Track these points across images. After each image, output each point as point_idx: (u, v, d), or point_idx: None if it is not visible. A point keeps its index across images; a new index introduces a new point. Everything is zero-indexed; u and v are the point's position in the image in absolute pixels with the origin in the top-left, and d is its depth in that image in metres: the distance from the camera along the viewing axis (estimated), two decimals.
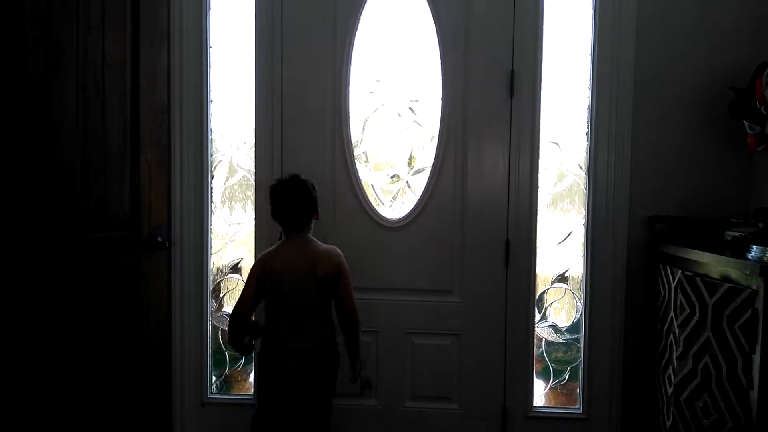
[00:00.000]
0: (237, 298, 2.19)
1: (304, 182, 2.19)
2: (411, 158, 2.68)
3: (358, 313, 2.21)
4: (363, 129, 2.67)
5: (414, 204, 2.62)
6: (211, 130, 2.68)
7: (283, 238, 2.25)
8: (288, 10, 2.59)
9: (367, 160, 2.69)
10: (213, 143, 2.70)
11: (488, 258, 2.59)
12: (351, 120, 2.62)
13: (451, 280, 2.61)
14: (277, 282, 2.13)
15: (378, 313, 2.61)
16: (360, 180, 2.62)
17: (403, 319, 2.62)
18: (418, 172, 2.67)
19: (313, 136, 2.61)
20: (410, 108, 2.66)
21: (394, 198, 2.70)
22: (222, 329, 2.79)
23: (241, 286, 2.76)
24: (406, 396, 2.65)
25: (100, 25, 2.14)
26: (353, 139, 2.63)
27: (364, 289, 2.57)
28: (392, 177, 2.69)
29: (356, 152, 2.64)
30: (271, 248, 2.24)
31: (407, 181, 2.68)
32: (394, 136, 2.67)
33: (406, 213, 2.63)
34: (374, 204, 2.64)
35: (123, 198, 2.26)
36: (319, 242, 2.22)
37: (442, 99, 2.58)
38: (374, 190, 2.68)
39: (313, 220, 2.22)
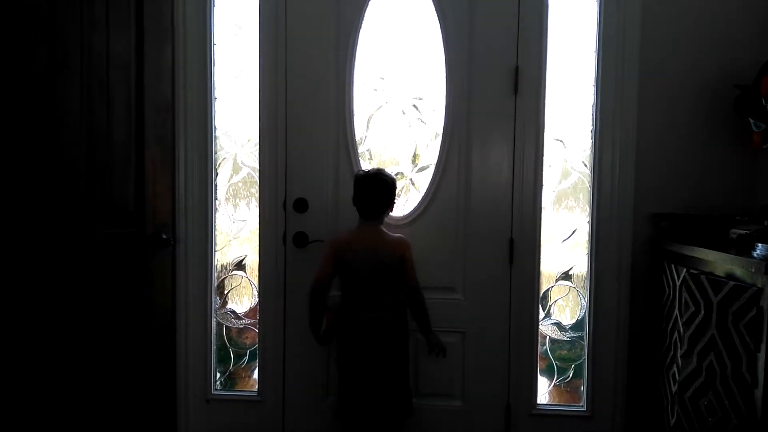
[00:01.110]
0: (315, 273, 2.38)
1: (385, 179, 2.38)
2: (415, 156, 2.68)
3: (422, 291, 2.41)
4: (367, 126, 2.67)
5: (418, 202, 2.62)
6: (215, 127, 2.69)
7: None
8: (292, 8, 2.59)
9: (371, 157, 2.69)
10: (217, 141, 2.70)
11: (492, 256, 2.59)
12: (355, 118, 2.62)
13: (455, 278, 2.61)
14: (348, 263, 2.36)
15: None
16: None
17: None
18: (422, 169, 2.67)
19: (318, 133, 2.61)
20: (414, 105, 2.66)
21: (398, 195, 2.69)
22: (227, 326, 2.79)
23: (246, 283, 2.78)
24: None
25: (104, 22, 2.14)
26: (357, 137, 2.63)
27: None
28: (396, 174, 2.69)
29: (360, 150, 2.64)
30: (345, 232, 2.45)
31: (411, 179, 2.68)
32: (398, 134, 2.67)
33: (410, 211, 2.63)
34: None
35: (127, 195, 2.26)
36: (388, 232, 2.43)
37: (446, 96, 2.58)
38: None
39: (388, 212, 2.44)
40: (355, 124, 2.62)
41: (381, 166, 2.55)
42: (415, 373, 2.62)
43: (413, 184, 2.68)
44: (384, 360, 2.34)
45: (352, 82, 2.61)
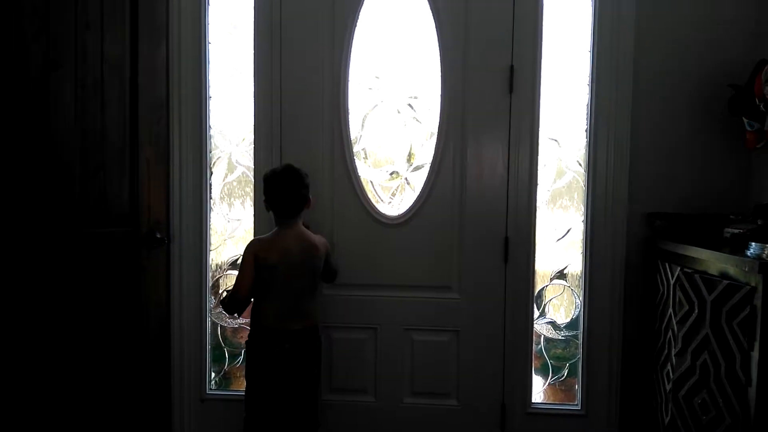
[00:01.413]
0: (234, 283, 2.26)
1: (297, 171, 2.29)
2: (410, 155, 2.68)
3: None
4: (362, 125, 2.67)
5: (413, 201, 2.62)
6: (210, 126, 2.68)
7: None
8: (287, 6, 2.59)
9: (366, 156, 2.69)
10: (212, 139, 2.70)
11: (487, 254, 2.59)
12: (350, 116, 2.62)
13: (450, 277, 2.61)
14: (273, 267, 2.22)
15: (377, 309, 2.62)
16: (359, 176, 2.62)
17: (402, 316, 2.62)
18: (417, 168, 2.67)
19: (312, 132, 2.61)
20: (409, 104, 2.66)
21: (393, 195, 2.69)
22: (221, 325, 2.79)
23: None
24: (405, 392, 2.65)
25: (98, 21, 2.14)
26: (352, 136, 2.63)
27: (363, 286, 2.60)
28: (391, 174, 2.69)
29: (355, 149, 2.64)
30: (265, 236, 2.32)
31: (406, 178, 2.68)
32: (393, 133, 2.67)
33: (405, 210, 2.63)
34: (373, 201, 2.64)
35: (122, 194, 2.26)
36: (309, 231, 2.36)
37: (441, 95, 2.58)
38: (373, 186, 2.68)
39: (306, 208, 2.31)
40: (350, 122, 2.61)
41: (376, 165, 2.54)
42: (410, 372, 2.63)
43: (408, 183, 2.68)
44: (306, 377, 2.29)
45: (347, 81, 2.60)
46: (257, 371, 2.29)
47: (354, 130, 2.64)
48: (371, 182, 2.68)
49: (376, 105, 2.66)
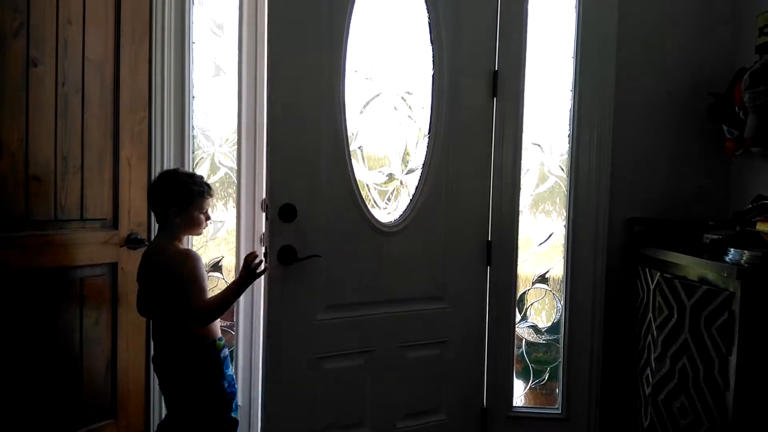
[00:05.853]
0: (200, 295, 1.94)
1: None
2: (406, 152, 2.58)
3: None
4: (356, 131, 2.59)
5: (406, 205, 2.44)
6: (193, 126, 2.64)
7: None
8: (276, 10, 2.47)
9: (363, 157, 2.59)
10: (195, 140, 2.67)
11: (470, 259, 2.56)
12: (347, 114, 2.35)
13: (441, 285, 2.48)
14: None
15: (373, 329, 2.36)
16: (356, 179, 2.28)
17: (397, 333, 2.41)
18: (410, 171, 2.59)
19: (304, 132, 2.25)
20: (403, 98, 2.56)
21: (389, 199, 2.64)
22: None
23: (222, 285, 2.73)
24: (398, 416, 2.43)
25: (81, 18, 2.11)
26: (349, 133, 2.33)
27: (358, 305, 2.36)
28: (388, 175, 2.60)
29: (351, 147, 2.34)
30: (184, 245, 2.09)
31: (401, 180, 2.59)
32: (388, 132, 2.58)
33: (400, 215, 2.43)
34: (369, 206, 2.36)
35: (102, 195, 2.23)
36: None
37: (431, 96, 2.51)
38: (369, 190, 2.56)
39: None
40: (347, 120, 2.28)
41: (372, 168, 2.44)
42: (405, 394, 2.42)
43: (403, 185, 2.57)
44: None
45: (344, 83, 2.28)
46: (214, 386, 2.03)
47: (350, 128, 2.37)
48: (367, 186, 2.56)
49: (370, 102, 2.53)
